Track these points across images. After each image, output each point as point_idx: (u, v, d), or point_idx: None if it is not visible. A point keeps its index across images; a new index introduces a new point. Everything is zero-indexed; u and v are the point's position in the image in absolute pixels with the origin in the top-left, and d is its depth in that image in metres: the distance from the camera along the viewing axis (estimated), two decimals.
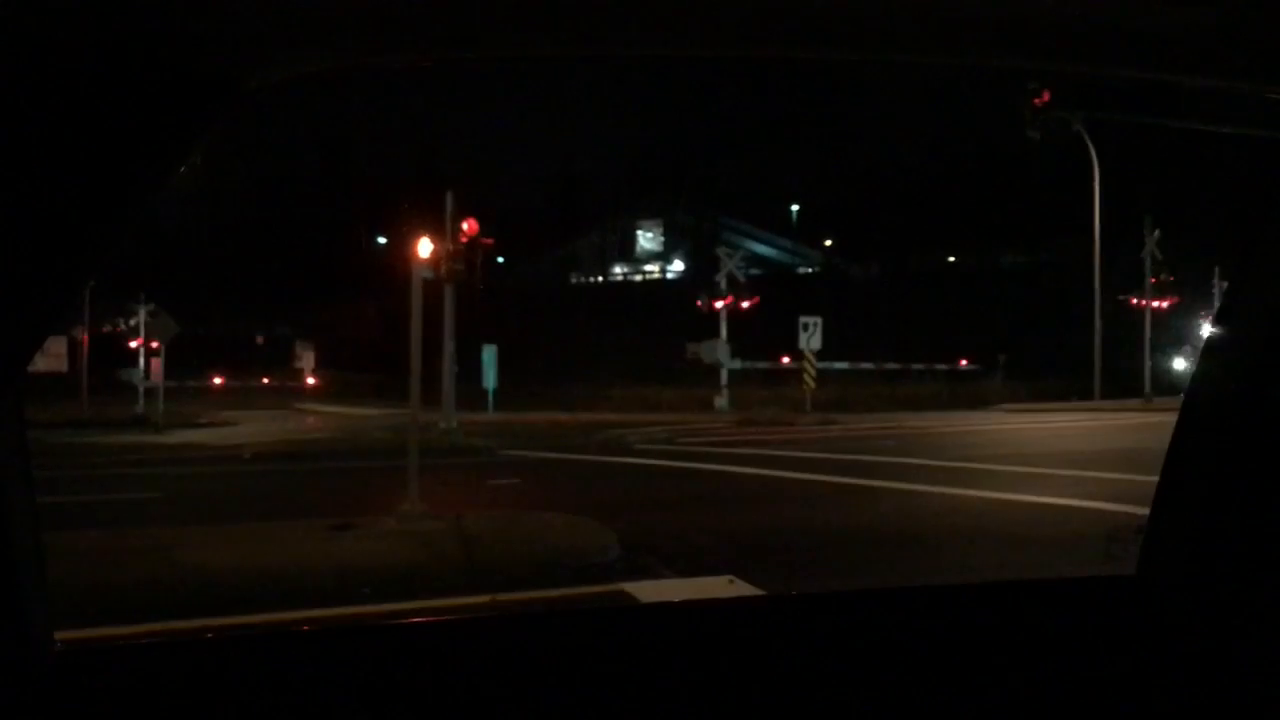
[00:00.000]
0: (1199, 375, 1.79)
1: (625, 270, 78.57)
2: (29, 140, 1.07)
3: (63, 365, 32.11)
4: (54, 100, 1.07)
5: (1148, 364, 35.57)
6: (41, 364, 30.31)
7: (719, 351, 34.58)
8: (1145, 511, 1.82)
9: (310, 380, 44.03)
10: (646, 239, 79.60)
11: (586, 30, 1.15)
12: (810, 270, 73.59)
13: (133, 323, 32.52)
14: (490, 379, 30.93)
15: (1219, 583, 1.71)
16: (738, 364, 35.40)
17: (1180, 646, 1.70)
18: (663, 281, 74.25)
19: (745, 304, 36.75)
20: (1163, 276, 37.33)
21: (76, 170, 1.10)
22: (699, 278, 48.87)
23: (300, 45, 1.13)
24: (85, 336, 32.86)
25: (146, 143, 1.12)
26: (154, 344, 31.60)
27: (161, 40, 1.06)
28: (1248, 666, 1.66)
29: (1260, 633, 1.67)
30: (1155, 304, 37.44)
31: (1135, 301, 38.34)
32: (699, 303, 37.62)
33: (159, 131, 1.13)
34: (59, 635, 1.40)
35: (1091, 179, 37.45)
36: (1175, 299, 37.66)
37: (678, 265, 76.44)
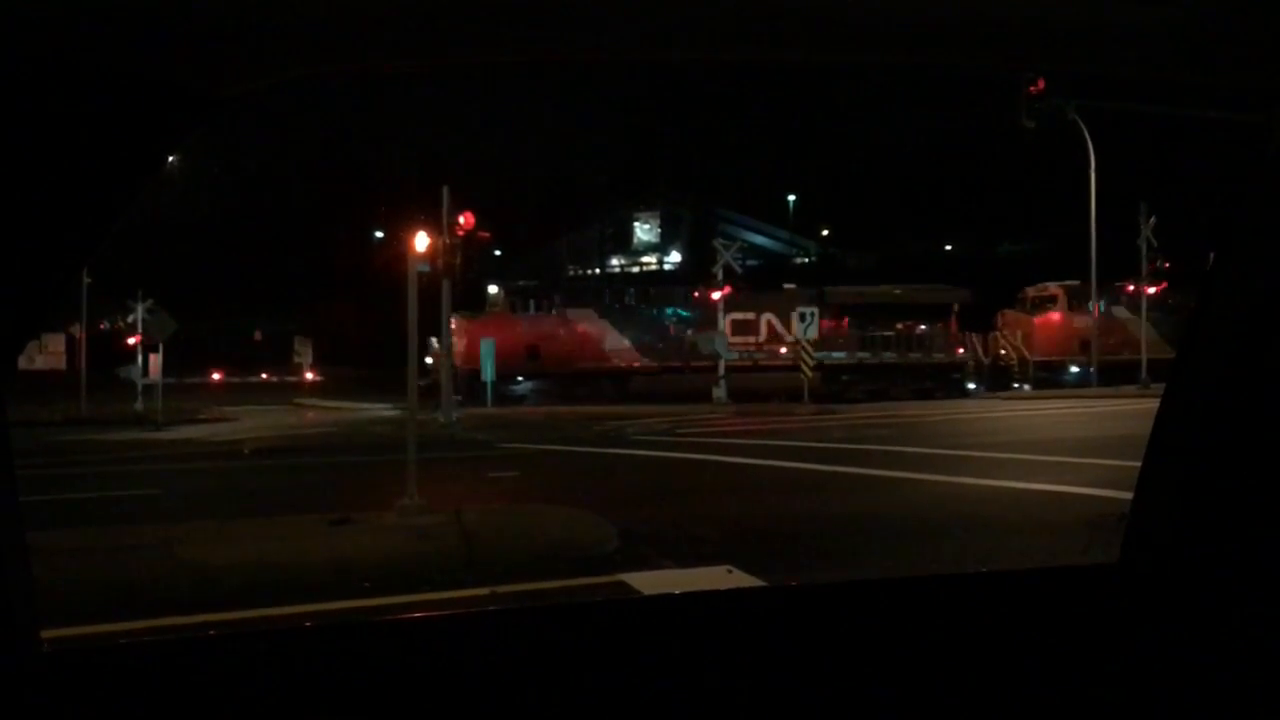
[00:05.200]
0: (1180, 361, 1.80)
1: (622, 262, 78.56)
2: (8, 145, 1.09)
3: (61, 363, 32.14)
4: (33, 107, 1.09)
5: (1144, 349, 35.54)
6: (40, 362, 30.36)
7: (717, 342, 34.57)
8: None
9: (309, 375, 43.98)
10: (643, 230, 79.56)
11: (565, 36, 1.17)
12: (807, 260, 73.62)
13: (131, 320, 32.45)
14: (488, 372, 30.92)
15: (1201, 570, 1.72)
16: (735, 355, 35.38)
17: (1162, 634, 1.72)
18: (660, 273, 74.22)
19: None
20: (1158, 262, 37.32)
21: (55, 175, 1.12)
22: (696, 269, 48.80)
23: (272, 56, 1.15)
24: (83, 334, 32.81)
25: (124, 148, 1.15)
26: (152, 341, 31.61)
27: (138, 51, 1.08)
28: (1229, 654, 1.67)
29: (1242, 620, 1.69)
30: (1151, 290, 37.44)
31: (1131, 287, 38.35)
32: (696, 294, 37.60)
33: (137, 138, 1.15)
34: (51, 633, 1.38)
35: (1087, 166, 37.42)
36: (1163, 284, 37.70)
37: (675, 256, 76.43)
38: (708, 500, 12.77)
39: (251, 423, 28.33)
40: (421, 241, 14.23)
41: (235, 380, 46.57)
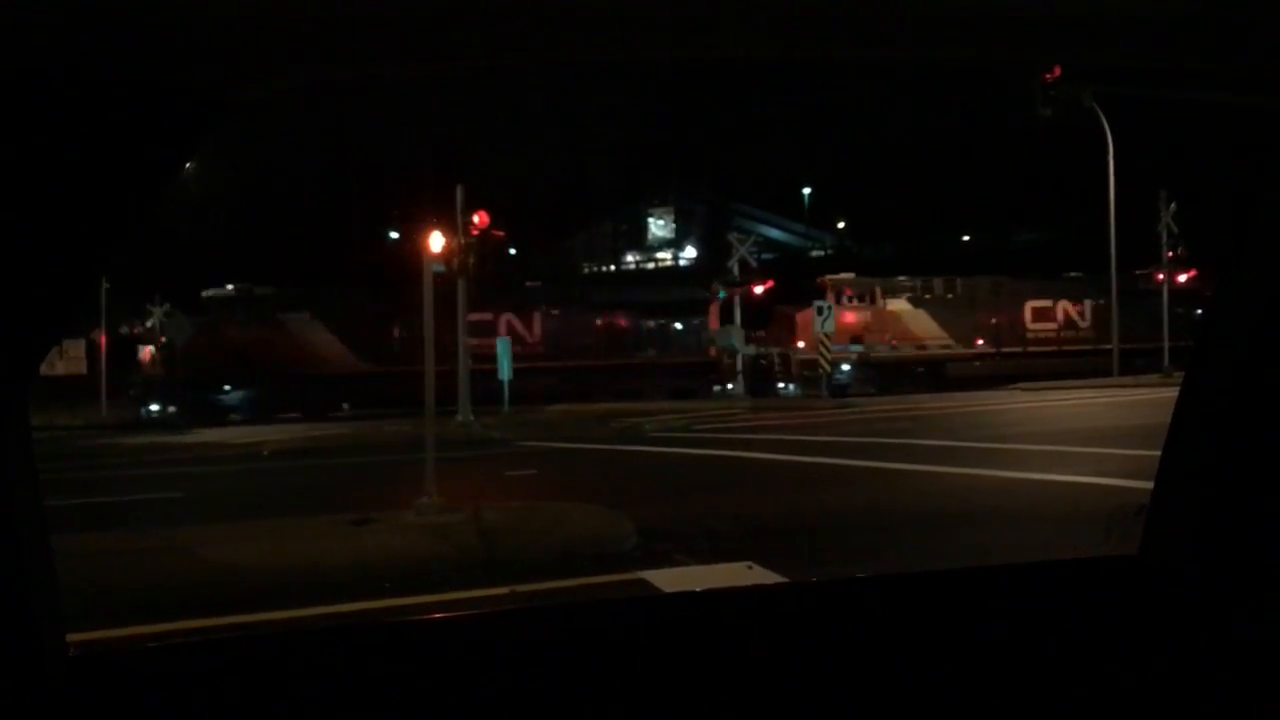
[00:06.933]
0: (1199, 351, 1.79)
1: (638, 258, 78.48)
2: (25, 153, 1.10)
3: (82, 368, 32.41)
4: (48, 114, 1.10)
5: (1166, 338, 35.27)
6: (61, 367, 30.61)
7: (733, 337, 34.51)
8: None
9: None
10: (658, 226, 79.47)
11: (571, 38, 1.17)
12: (823, 253, 73.30)
13: (149, 324, 32.69)
14: (505, 370, 30.97)
15: (1221, 561, 1.71)
16: (752, 349, 35.29)
17: (1182, 626, 1.71)
18: (675, 268, 74.09)
19: (758, 289, 36.66)
20: (1179, 250, 37.00)
21: (72, 181, 1.13)
22: (712, 264, 48.70)
23: (286, 61, 1.16)
24: (103, 339, 33.04)
25: (139, 155, 1.16)
26: (170, 344, 31.85)
27: (150, 57, 1.09)
28: (1249, 646, 1.66)
29: (1263, 612, 1.68)
30: (1172, 278, 37.10)
31: (1152, 276, 38.01)
32: (712, 289, 37.54)
33: (150, 145, 1.16)
34: (76, 637, 1.39)
35: (1106, 153, 37.15)
36: (1192, 272, 37.30)
37: (690, 252, 76.31)
38: (726, 496, 12.76)
39: (270, 424, 28.49)
40: (436, 241, 14.25)
41: None
